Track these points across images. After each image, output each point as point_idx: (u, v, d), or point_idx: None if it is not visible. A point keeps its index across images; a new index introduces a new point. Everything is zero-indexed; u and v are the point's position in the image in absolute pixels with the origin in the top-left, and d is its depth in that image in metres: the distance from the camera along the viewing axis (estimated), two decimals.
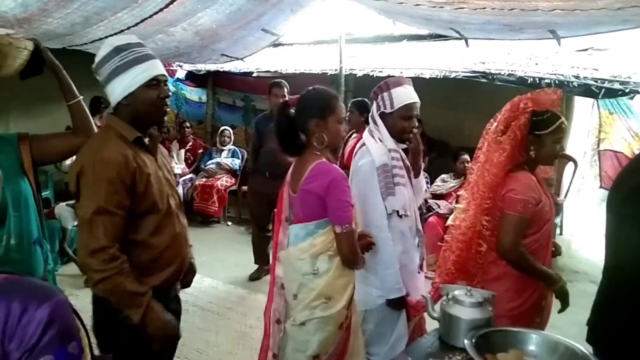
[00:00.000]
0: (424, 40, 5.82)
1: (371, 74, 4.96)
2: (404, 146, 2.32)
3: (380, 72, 4.88)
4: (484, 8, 2.99)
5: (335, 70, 5.12)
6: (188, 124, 7.02)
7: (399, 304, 2.22)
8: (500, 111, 2.13)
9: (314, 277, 1.92)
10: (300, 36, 6.75)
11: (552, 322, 2.23)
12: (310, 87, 2.02)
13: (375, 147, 2.25)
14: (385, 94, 2.26)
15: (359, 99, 4.56)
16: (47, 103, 5.61)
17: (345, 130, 2.06)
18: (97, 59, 1.72)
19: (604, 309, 1.72)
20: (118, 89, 1.70)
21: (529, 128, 2.05)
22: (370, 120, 2.35)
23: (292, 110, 1.99)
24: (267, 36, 5.04)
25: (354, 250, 1.90)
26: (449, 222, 4.28)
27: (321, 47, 6.54)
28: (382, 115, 2.28)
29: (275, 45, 5.80)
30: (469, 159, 5.05)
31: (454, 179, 4.98)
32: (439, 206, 4.86)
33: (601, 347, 1.59)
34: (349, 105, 4.54)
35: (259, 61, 5.95)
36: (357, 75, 5.18)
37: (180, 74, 7.44)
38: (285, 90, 4.26)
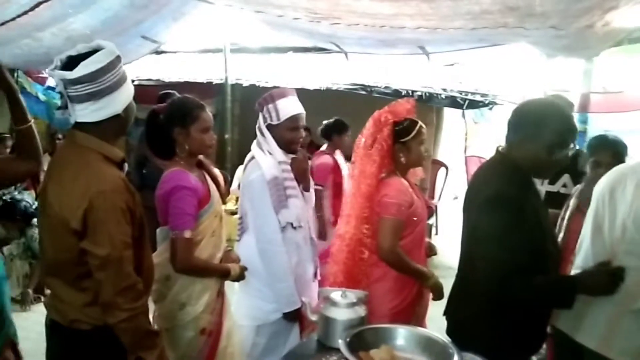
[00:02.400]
0: (308, 52, 5.99)
1: (257, 84, 5.00)
2: (293, 156, 2.33)
3: (267, 82, 4.94)
4: (357, 24, 3.17)
5: (221, 79, 5.09)
6: (60, 135, 6.52)
7: (294, 316, 2.24)
8: (365, 127, 2.28)
9: (166, 282, 1.94)
10: (185, 44, 6.60)
11: (429, 316, 2.41)
12: (178, 96, 2.04)
13: (264, 160, 2.24)
14: (271, 106, 2.26)
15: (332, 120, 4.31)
16: None
17: (212, 139, 2.04)
18: (93, 68, 1.50)
19: (457, 302, 1.92)
20: (120, 100, 1.56)
21: (393, 137, 2.22)
22: (257, 132, 2.33)
23: (161, 118, 2.00)
24: (148, 43, 4.86)
25: (184, 258, 1.89)
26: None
27: (207, 56, 6.46)
28: (269, 127, 2.28)
29: (158, 52, 5.62)
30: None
31: None
32: None
33: (453, 337, 1.76)
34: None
35: (140, 69, 5.72)
36: (244, 86, 5.19)
37: (52, 81, 6.90)
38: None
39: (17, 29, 3.70)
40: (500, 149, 1.81)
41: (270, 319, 2.24)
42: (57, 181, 1.53)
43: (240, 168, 5.69)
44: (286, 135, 2.26)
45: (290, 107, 2.27)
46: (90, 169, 1.52)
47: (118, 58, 1.55)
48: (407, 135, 2.24)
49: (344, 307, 1.74)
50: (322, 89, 4.83)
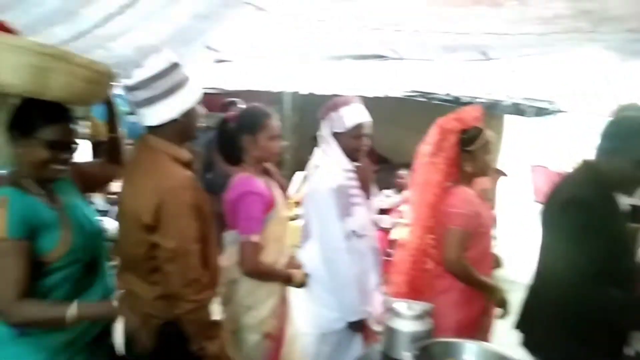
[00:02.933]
0: (365, 59, 5.96)
1: (315, 92, 5.03)
2: (357, 164, 2.34)
3: (324, 90, 4.96)
4: (419, 31, 3.12)
5: (280, 88, 5.15)
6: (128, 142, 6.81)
7: (359, 326, 2.22)
8: (429, 134, 2.24)
9: (234, 285, 1.97)
10: (245, 53, 6.72)
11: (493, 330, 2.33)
12: (248, 105, 2.11)
13: (330, 168, 2.25)
14: (335, 114, 2.27)
15: None
16: None
17: (279, 146, 2.10)
18: (146, 75, 1.64)
19: (534, 311, 1.85)
20: (175, 105, 1.66)
21: (459, 146, 2.17)
22: (321, 140, 2.34)
23: (231, 125, 2.06)
24: (210, 53, 5.01)
25: (251, 260, 1.92)
26: (392, 236, 4.39)
27: (265, 64, 6.56)
28: (334, 135, 2.28)
29: (220, 61, 5.77)
30: (403, 174, 5.22)
31: (395, 194, 5.11)
32: (382, 220, 4.95)
33: (530, 349, 1.70)
34: None
35: (204, 78, 5.89)
36: (302, 94, 5.23)
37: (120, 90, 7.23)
38: (240, 105, 4.26)
39: (92, 39, 3.90)
40: (586, 159, 1.75)
41: (334, 327, 2.23)
42: (131, 180, 1.66)
43: (298, 175, 5.77)
44: (351, 144, 2.26)
45: (355, 115, 2.27)
46: (160, 168, 1.64)
47: (173, 66, 1.66)
48: (474, 143, 2.18)
49: (409, 318, 1.71)
50: (379, 96, 4.78)
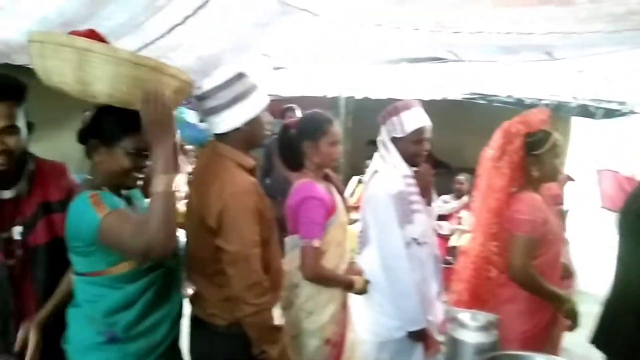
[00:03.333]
0: (422, 62, 5.87)
1: (371, 96, 5.00)
2: (416, 169, 2.30)
3: (379, 95, 4.93)
4: (481, 32, 3.03)
5: (335, 93, 5.16)
6: (189, 147, 7.03)
7: (419, 335, 2.18)
8: (493, 138, 2.17)
9: (295, 290, 1.97)
10: (300, 59, 6.79)
11: (564, 344, 2.22)
12: (309, 111, 2.12)
13: (389, 174, 2.22)
14: (395, 118, 2.24)
15: None
16: (46, 128, 5.61)
17: (339, 152, 2.10)
18: (213, 84, 1.72)
19: (613, 325, 1.75)
20: (239, 115, 1.73)
21: (525, 150, 2.09)
22: (380, 145, 2.31)
23: (292, 132, 2.07)
24: (267, 60, 5.10)
25: (312, 267, 1.92)
26: (452, 243, 4.29)
27: (320, 70, 6.60)
28: (393, 140, 2.25)
29: (275, 68, 5.86)
30: (462, 179, 5.08)
31: (454, 200, 4.99)
32: (440, 227, 4.85)
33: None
34: None
35: (262, 85, 5.99)
36: (356, 98, 5.22)
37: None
38: (298, 113, 4.31)
39: (155, 50, 4.06)
40: None
41: (393, 336, 2.20)
42: (198, 184, 1.74)
43: (353, 179, 5.75)
44: (411, 149, 2.23)
45: (415, 119, 2.23)
46: (225, 173, 1.70)
47: (239, 76, 1.72)
48: (541, 147, 2.09)
49: (474, 329, 1.66)
50: (436, 99, 4.69)
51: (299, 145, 2.02)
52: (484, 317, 1.70)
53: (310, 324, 1.96)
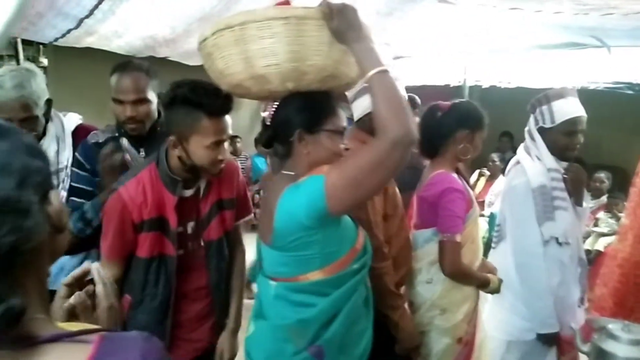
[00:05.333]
0: (557, 49, 5.44)
1: (499, 85, 4.74)
2: (566, 164, 2.13)
3: (509, 83, 4.65)
4: (638, 13, 2.71)
5: (459, 82, 4.97)
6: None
7: (550, 339, 2.03)
8: None
9: (428, 286, 1.92)
10: (423, 48, 6.64)
11: None
12: (461, 101, 2.08)
13: (531, 165, 2.07)
14: (545, 107, 2.07)
15: None
16: None
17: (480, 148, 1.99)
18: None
19: None
20: (360, 107, 1.87)
21: None
22: (526, 135, 2.18)
23: (440, 115, 1.97)
24: (389, 50, 5.05)
25: (454, 262, 1.84)
26: (586, 246, 3.94)
27: (443, 59, 6.40)
28: (541, 131, 2.10)
29: (396, 57, 5.78)
30: (604, 178, 4.62)
31: (591, 199, 4.57)
32: None
33: None
34: None
35: None
36: (483, 87, 4.98)
37: None
38: (418, 101, 4.22)
39: None
40: None
41: (523, 337, 2.07)
42: None
43: (475, 173, 5.52)
44: (560, 140, 2.04)
45: (567, 108, 2.04)
46: None
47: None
48: None
49: (626, 342, 1.50)
50: (575, 88, 4.30)
51: (450, 131, 1.91)
52: (638, 329, 1.53)
53: (443, 321, 1.89)
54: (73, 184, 1.93)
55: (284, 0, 1.43)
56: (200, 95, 1.50)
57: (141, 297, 1.67)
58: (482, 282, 1.92)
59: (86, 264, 0.93)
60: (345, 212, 1.42)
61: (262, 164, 7.82)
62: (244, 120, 7.43)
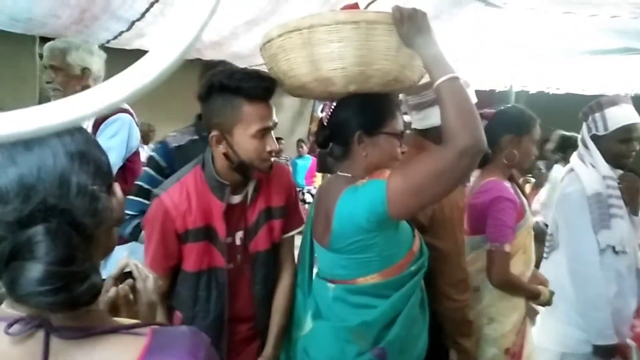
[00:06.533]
0: (609, 54, 5.25)
1: (547, 90, 4.62)
2: (622, 172, 2.09)
3: (558, 89, 4.52)
4: None
5: (505, 87, 4.87)
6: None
7: (608, 352, 1.97)
8: None
9: (475, 294, 1.88)
10: (465, 52, 6.53)
11: None
12: (508, 106, 2.04)
13: (586, 173, 2.05)
14: (598, 115, 2.05)
15: None
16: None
17: (535, 153, 1.94)
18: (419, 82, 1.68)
19: None
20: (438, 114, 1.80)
21: None
22: (580, 143, 2.16)
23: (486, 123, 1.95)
24: None
25: (502, 272, 1.80)
26: None
27: (488, 63, 6.29)
28: (595, 138, 2.08)
29: None
30: None
31: None
32: None
33: None
34: None
35: None
36: (530, 93, 4.86)
37: None
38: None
39: None
40: None
41: (578, 349, 2.01)
42: None
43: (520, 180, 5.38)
44: (614, 148, 2.00)
45: (621, 116, 2.00)
46: None
47: None
48: None
49: None
50: (630, 95, 4.15)
51: (495, 138, 1.88)
52: None
53: (491, 330, 1.85)
54: (140, 183, 1.84)
55: (353, 3, 1.44)
56: (238, 80, 1.35)
57: (192, 314, 1.51)
58: (533, 293, 1.87)
59: (124, 259, 0.95)
60: (406, 218, 1.41)
61: (303, 168, 7.80)
62: (285, 122, 7.47)
